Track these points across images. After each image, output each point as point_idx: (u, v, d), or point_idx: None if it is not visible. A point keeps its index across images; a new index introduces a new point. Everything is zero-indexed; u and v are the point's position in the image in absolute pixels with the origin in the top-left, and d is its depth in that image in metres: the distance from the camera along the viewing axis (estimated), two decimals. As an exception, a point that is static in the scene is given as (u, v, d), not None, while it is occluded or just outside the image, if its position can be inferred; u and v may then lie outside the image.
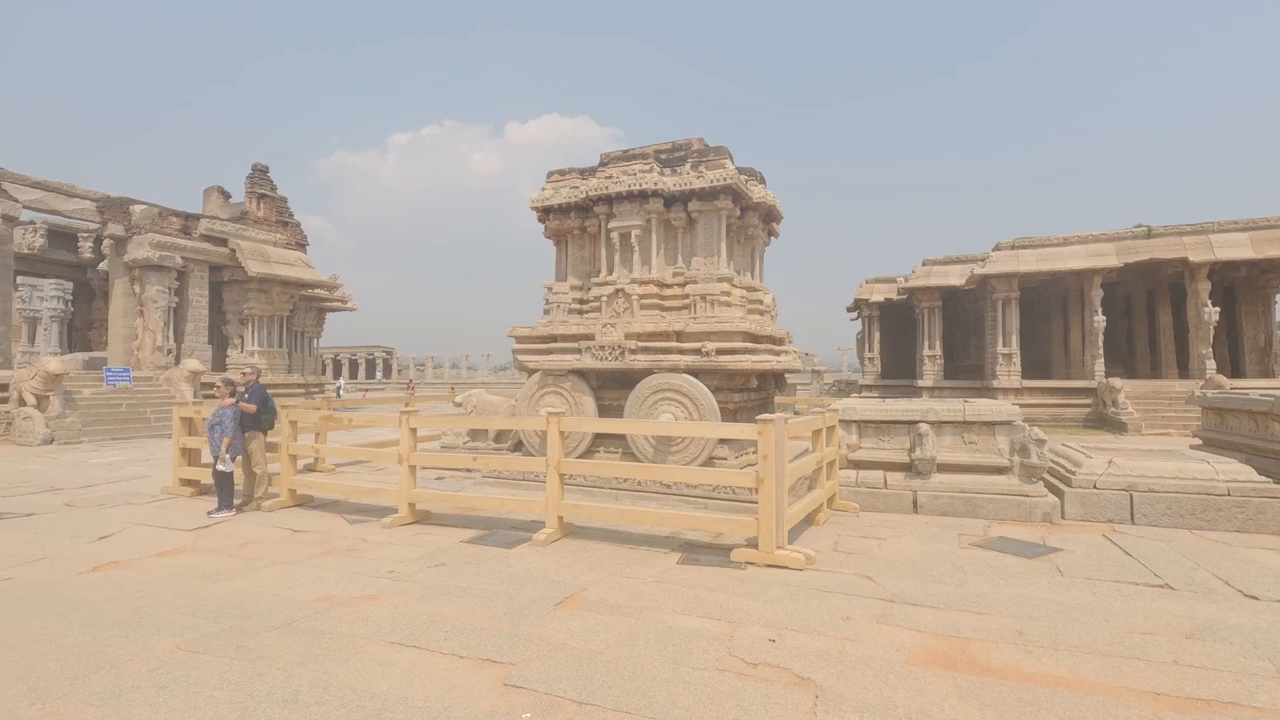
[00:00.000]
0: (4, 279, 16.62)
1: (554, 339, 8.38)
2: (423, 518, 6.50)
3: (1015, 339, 21.59)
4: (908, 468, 7.29)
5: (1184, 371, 21.06)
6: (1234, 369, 21.03)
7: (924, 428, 7.14)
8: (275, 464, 7.39)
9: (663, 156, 8.44)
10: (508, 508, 6.17)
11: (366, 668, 3.18)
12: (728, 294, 7.93)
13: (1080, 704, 2.83)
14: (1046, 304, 24.44)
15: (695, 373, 7.58)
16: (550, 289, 8.91)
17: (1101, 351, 20.62)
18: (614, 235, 8.33)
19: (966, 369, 25.85)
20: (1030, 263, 21.13)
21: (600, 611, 3.94)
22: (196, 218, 20.00)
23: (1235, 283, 21.23)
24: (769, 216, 9.15)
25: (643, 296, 8.13)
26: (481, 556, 5.18)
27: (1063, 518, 6.60)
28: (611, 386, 8.21)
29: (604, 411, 8.17)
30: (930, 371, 24.70)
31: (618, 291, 8.22)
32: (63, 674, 3.14)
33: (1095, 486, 6.68)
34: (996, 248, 22.36)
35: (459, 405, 10.23)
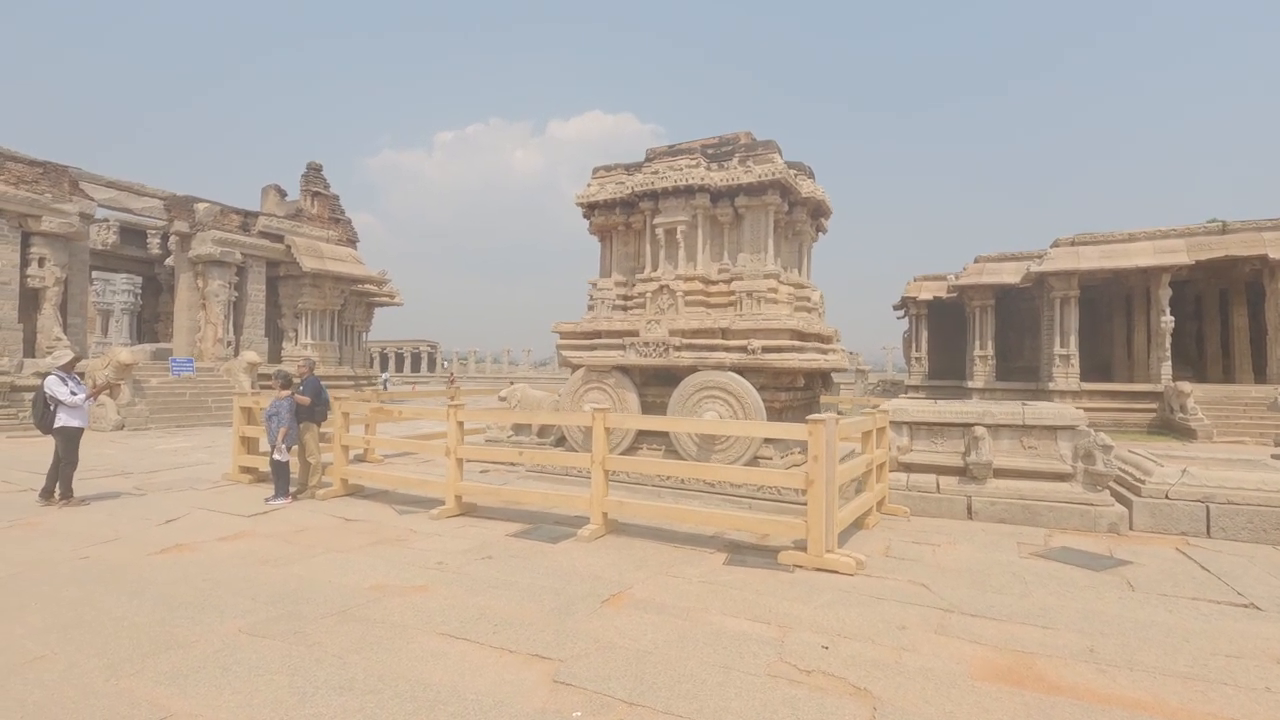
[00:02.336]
0: (81, 274, 17.59)
1: (598, 335, 8.38)
2: (469, 510, 6.59)
3: (1074, 339, 20.67)
4: (962, 472, 7.03)
5: (1260, 376, 19.76)
6: (1317, 374, 19.64)
7: (980, 430, 6.87)
8: (328, 454, 7.62)
9: (709, 151, 8.33)
10: (552, 502, 6.20)
11: (419, 658, 3.22)
12: (774, 291, 7.79)
13: (1162, 730, 2.66)
14: (1108, 303, 23.32)
15: (740, 370, 7.47)
16: (595, 285, 8.91)
17: (1169, 354, 19.56)
18: (659, 231, 8.28)
19: (1019, 370, 24.87)
20: (1092, 259, 20.17)
21: (648, 610, 3.90)
22: (255, 215, 20.80)
23: (1321, 282, 19.80)
24: (817, 212, 8.95)
25: (688, 293, 8.06)
26: (527, 551, 5.21)
27: (1131, 529, 6.25)
28: (655, 383, 8.17)
29: (647, 408, 8.13)
30: (981, 372, 23.87)
31: (662, 288, 8.16)
32: (135, 651, 3.28)
33: (1167, 497, 6.30)
34: (1055, 244, 21.43)
35: (503, 400, 10.36)
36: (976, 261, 24.50)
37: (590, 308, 8.88)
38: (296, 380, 7.37)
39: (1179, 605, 4.16)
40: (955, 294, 25.28)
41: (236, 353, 19.33)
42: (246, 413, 8.27)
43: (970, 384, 23.81)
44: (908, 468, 7.33)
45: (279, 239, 20.81)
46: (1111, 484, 6.73)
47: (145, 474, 8.76)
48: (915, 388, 26.60)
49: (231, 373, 18.03)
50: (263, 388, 17.18)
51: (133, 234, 22.95)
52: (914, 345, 27.92)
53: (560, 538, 5.60)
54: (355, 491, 7.51)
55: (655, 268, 8.40)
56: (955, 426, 7.20)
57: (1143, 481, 6.55)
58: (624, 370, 8.12)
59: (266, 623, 3.66)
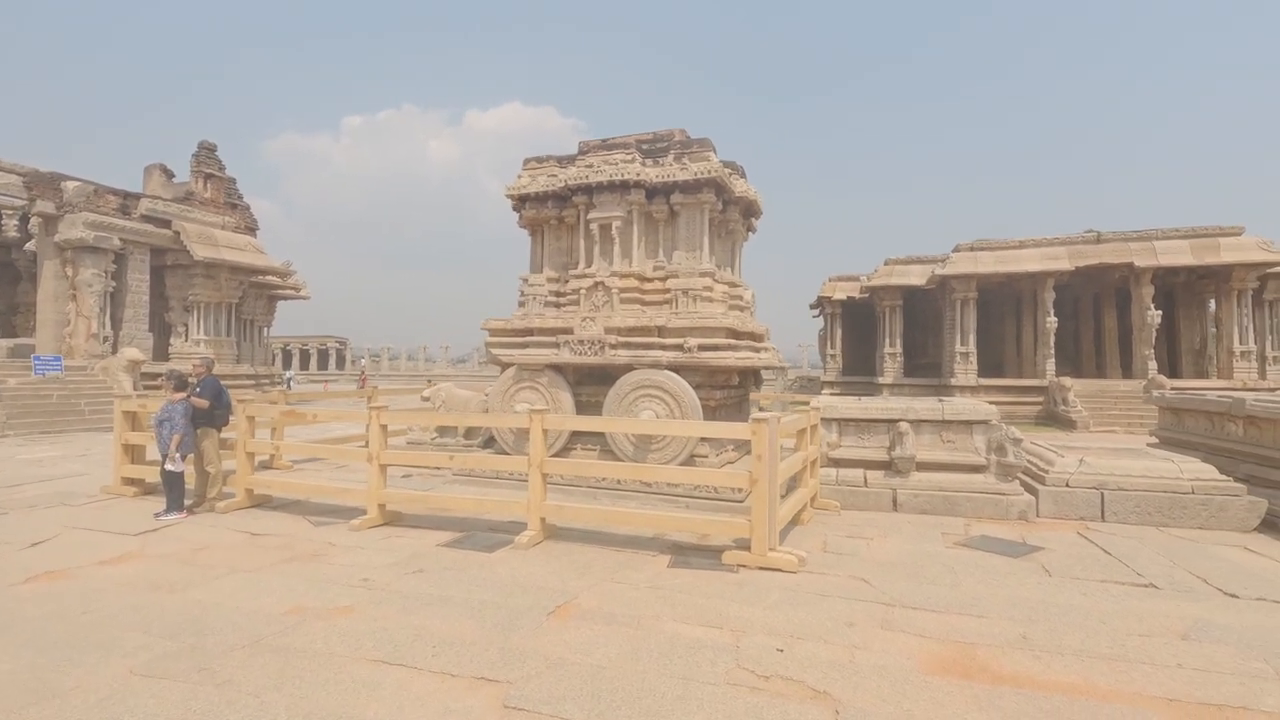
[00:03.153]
0: (-84, 258, 15.25)
1: (530, 332, 8.10)
2: (393, 519, 6.16)
3: (973, 338, 22.23)
4: (887, 466, 7.31)
5: (1127, 372, 22.05)
6: (1171, 370, 22.13)
7: (904, 426, 7.16)
8: (230, 460, 6.92)
9: (644, 147, 8.23)
10: (486, 509, 5.90)
11: (350, 690, 2.91)
12: (710, 289, 7.80)
13: (1101, 713, 2.79)
14: (1000, 304, 25.24)
15: (677, 369, 7.43)
16: (526, 280, 8.61)
17: (1053, 351, 21.41)
18: (594, 226, 8.09)
19: (923, 367, 26.50)
20: (988, 264, 21.76)
21: (597, 621, 3.74)
22: (137, 197, 18.78)
23: (1174, 288, 22.32)
24: (749, 211, 9.06)
25: (623, 290, 7.93)
26: (461, 562, 4.91)
27: (1038, 515, 6.71)
28: (589, 382, 7.99)
29: (581, 408, 7.94)
30: (891, 369, 25.24)
31: (597, 284, 7.99)
32: (-4, 706, 2.77)
33: (1068, 485, 6.82)
34: (956, 249, 22.95)
35: (426, 400, 9.84)
36: (887, 264, 25.87)
37: (521, 304, 8.58)
38: (193, 380, 6.63)
39: (1091, 588, 4.47)
40: (867, 294, 26.58)
41: (115, 349, 17.37)
42: (130, 417, 7.37)
43: (880, 380, 25.12)
44: (837, 463, 7.54)
45: (166, 224, 18.88)
46: (1019, 474, 7.21)
47: (4, 488, 7.64)
48: (830, 383, 27.79)
49: (109, 372, 16.18)
50: (147, 388, 15.53)
51: (-17, 214, 20.13)
52: (829, 343, 29.15)
53: (496, 545, 5.33)
54: (262, 502, 6.86)
55: (590, 264, 8.21)
56: (881, 423, 7.48)
57: (1046, 471, 7.05)
58: (558, 369, 7.89)
59: (164, 660, 3.21)
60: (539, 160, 8.69)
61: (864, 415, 7.56)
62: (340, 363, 44.63)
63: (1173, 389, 19.33)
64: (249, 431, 6.85)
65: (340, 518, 6.25)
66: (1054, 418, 19.49)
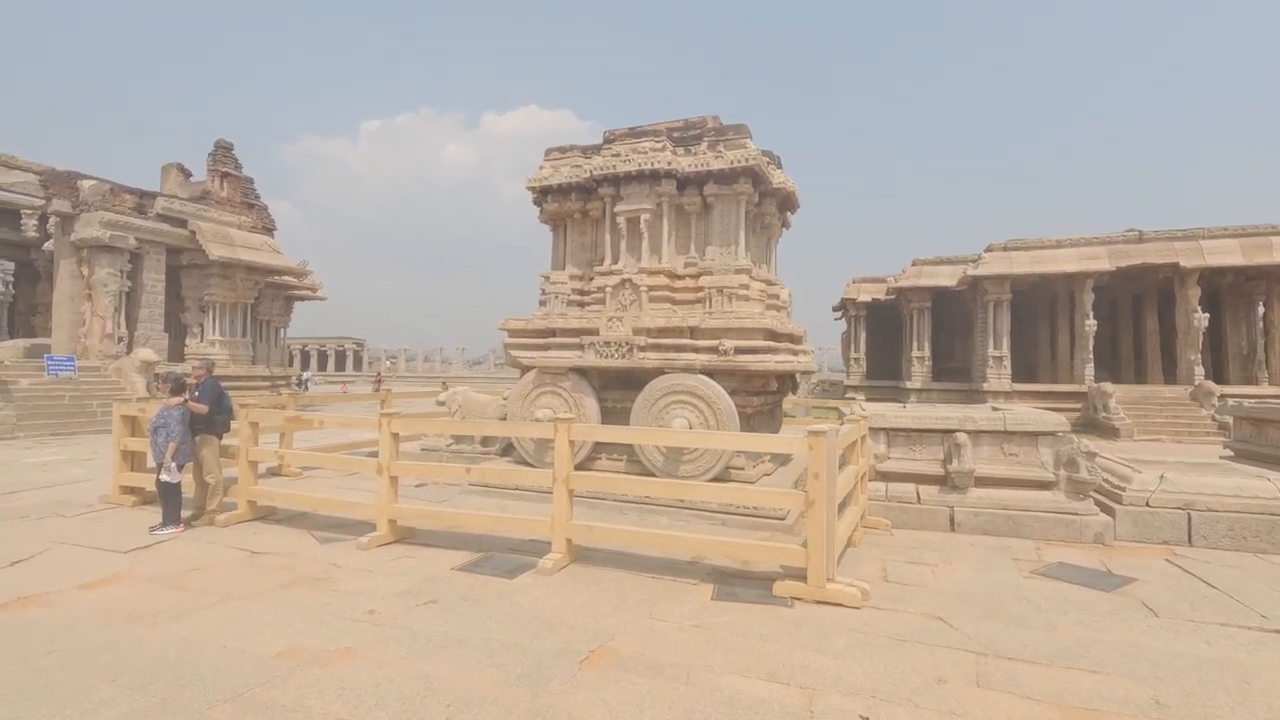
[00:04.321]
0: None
1: (552, 333, 7.57)
2: (405, 536, 5.65)
3: (1006, 341, 21.37)
4: (942, 481, 6.66)
5: (1170, 377, 21.04)
6: (1217, 375, 21.06)
7: (962, 438, 6.52)
8: (232, 468, 6.46)
9: (675, 135, 7.68)
10: (506, 527, 5.35)
11: (345, 770, 2.38)
12: (746, 287, 7.21)
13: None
14: (1033, 307, 24.30)
15: (710, 373, 6.86)
16: (547, 278, 8.08)
17: (1091, 356, 20.50)
18: (620, 220, 7.55)
19: (951, 371, 25.62)
20: (1023, 264, 20.90)
21: (639, 672, 3.17)
22: (153, 196, 18.59)
23: (1220, 289, 21.27)
24: (786, 204, 8.47)
25: (652, 288, 7.37)
26: (479, 589, 4.37)
27: (1115, 539, 6.04)
28: (615, 387, 7.44)
29: (606, 415, 7.40)
30: (918, 373, 24.41)
31: (624, 282, 7.44)
32: (-84, 785, 2.27)
33: (1148, 505, 6.13)
34: (989, 249, 22.10)
35: (441, 404, 9.37)
36: (914, 264, 25.06)
37: (542, 303, 8.05)
38: (192, 383, 6.18)
39: (1211, 634, 3.81)
40: (893, 296, 25.77)
41: (130, 350, 17.16)
42: (129, 422, 6.95)
43: (908, 384, 24.30)
44: (885, 476, 6.90)
45: (182, 223, 18.67)
46: (1092, 493, 6.53)
47: (1, 495, 7.26)
48: (855, 388, 26.98)
49: (122, 373, 15.95)
50: (159, 390, 15.26)
51: (3, 214, 20.11)
52: (853, 346, 28.35)
53: (517, 570, 4.79)
54: (266, 515, 6.39)
55: (616, 260, 7.67)
56: (935, 433, 6.83)
57: (1122, 489, 6.36)
58: (582, 372, 7.35)
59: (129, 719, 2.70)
60: (561, 151, 8.16)
61: (916, 425, 6.92)
62: (358, 364, 44.60)
63: (1222, 395, 18.39)
64: (252, 438, 6.38)
65: (348, 533, 5.76)
66: (1094, 425, 18.59)
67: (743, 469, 6.83)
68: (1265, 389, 18.93)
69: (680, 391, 6.80)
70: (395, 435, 5.66)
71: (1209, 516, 5.93)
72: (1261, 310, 20.90)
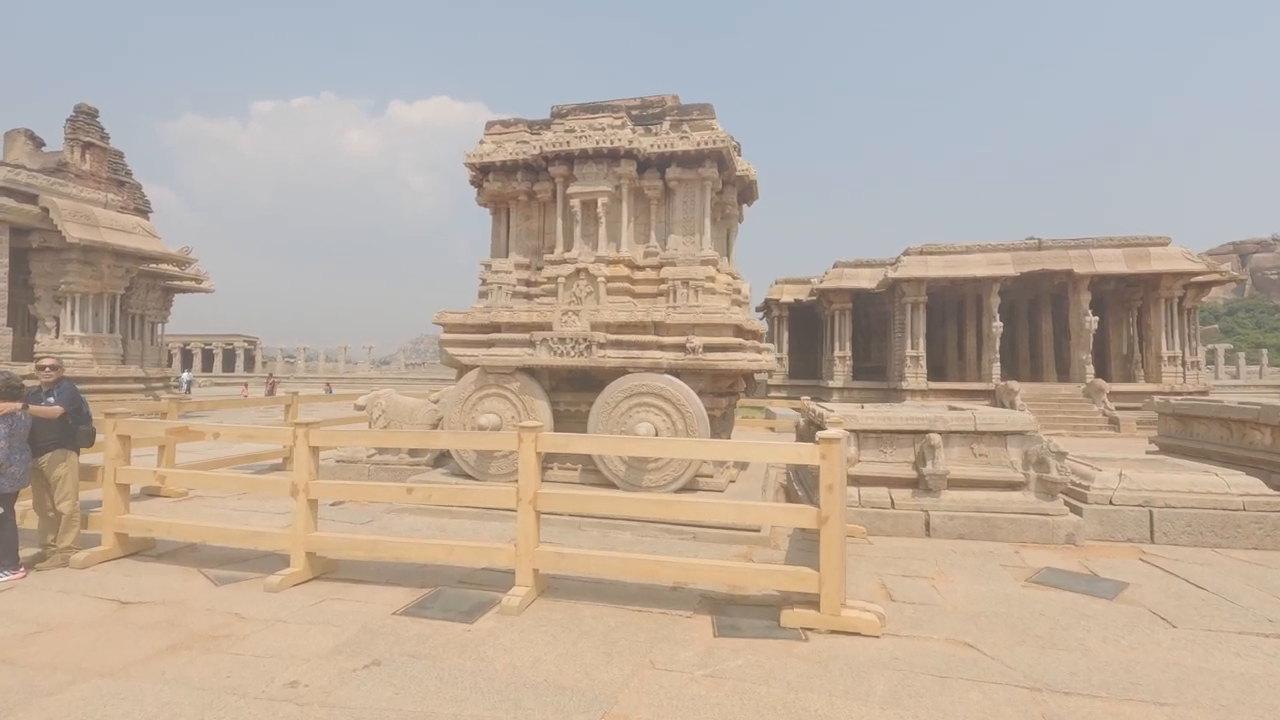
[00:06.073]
0: None
1: (496, 328, 6.72)
2: (327, 570, 4.66)
3: (923, 342, 22.29)
4: (914, 484, 6.42)
5: (1063, 375, 22.70)
6: (1101, 373, 22.95)
7: (935, 439, 6.29)
8: (94, 490, 5.18)
9: (634, 112, 7.04)
10: (458, 556, 4.49)
11: None
12: (712, 279, 6.69)
13: None
14: (943, 308, 25.59)
15: (676, 373, 6.28)
16: (489, 267, 7.21)
17: (998, 355, 21.74)
18: (575, 203, 6.82)
19: (869, 370, 26.55)
20: (938, 268, 21.86)
21: (663, 752, 2.51)
22: (-8, 165, 15.76)
23: (1105, 295, 23.21)
24: (746, 194, 8.04)
25: (610, 279, 6.69)
26: (433, 641, 3.54)
27: (1084, 538, 5.99)
28: (569, 389, 6.71)
29: (559, 419, 6.66)
30: (840, 372, 25.06)
31: (579, 272, 6.72)
32: None
33: (1112, 503, 6.14)
34: (906, 252, 22.98)
35: (361, 408, 8.24)
36: (836, 266, 25.73)
37: (483, 294, 7.17)
38: (34, 387, 4.85)
39: (1236, 645, 3.63)
40: (815, 297, 26.37)
41: (-40, 347, 14.41)
42: (-50, 437, 5.45)
43: (830, 383, 24.89)
44: (857, 480, 6.58)
45: (31, 199, 15.93)
46: (1060, 492, 6.49)
47: None
48: (777, 387, 27.39)
49: (-50, 374, 13.30)
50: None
51: None
52: (776, 346, 28.80)
53: (476, 609, 3.98)
54: (141, 550, 5.16)
55: (569, 248, 6.92)
56: (906, 434, 6.59)
57: (1086, 488, 6.36)
58: (531, 373, 6.56)
59: None
60: (505, 124, 7.31)
61: (887, 426, 6.64)
62: (249, 364, 40.73)
63: (1111, 392, 20.01)
64: (122, 455, 5.13)
65: (252, 569, 4.70)
66: (1002, 421, 19.66)
67: (711, 476, 6.30)
68: (1142, 386, 20.77)
69: (645, 393, 6.17)
70: (314, 449, 4.66)
71: (1168, 513, 6.00)
72: (1136, 315, 22.99)
